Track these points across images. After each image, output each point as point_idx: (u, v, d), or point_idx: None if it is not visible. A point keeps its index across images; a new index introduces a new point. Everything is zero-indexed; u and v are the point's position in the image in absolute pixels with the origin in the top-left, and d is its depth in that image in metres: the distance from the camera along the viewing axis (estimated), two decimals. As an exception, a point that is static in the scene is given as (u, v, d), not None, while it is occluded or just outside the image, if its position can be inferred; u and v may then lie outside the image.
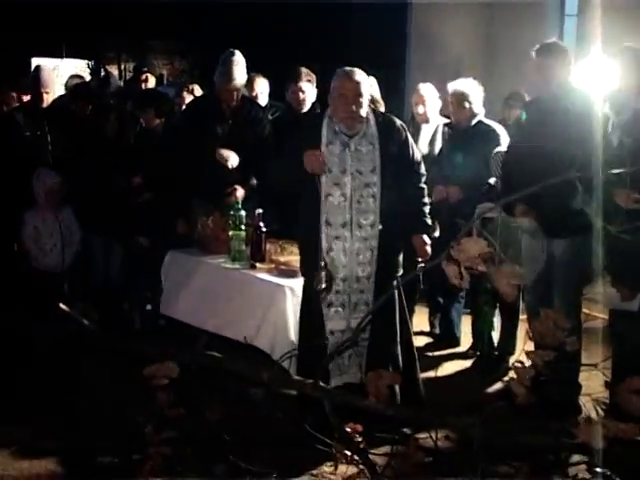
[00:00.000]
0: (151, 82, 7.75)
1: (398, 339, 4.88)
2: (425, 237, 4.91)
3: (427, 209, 4.97)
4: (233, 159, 6.03)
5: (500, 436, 3.22)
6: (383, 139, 4.76)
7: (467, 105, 6.16)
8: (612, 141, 4.74)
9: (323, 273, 4.65)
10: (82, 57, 21.49)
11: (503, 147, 5.85)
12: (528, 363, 3.18)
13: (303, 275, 4.99)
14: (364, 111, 4.72)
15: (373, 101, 6.09)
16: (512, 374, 3.19)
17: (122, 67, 26.55)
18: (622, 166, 3.21)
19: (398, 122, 4.96)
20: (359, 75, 4.72)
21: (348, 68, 4.79)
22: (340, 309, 4.80)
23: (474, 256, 2.99)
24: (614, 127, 4.83)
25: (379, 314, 4.60)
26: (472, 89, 6.21)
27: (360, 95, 4.67)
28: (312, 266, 4.73)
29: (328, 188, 4.71)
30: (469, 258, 2.98)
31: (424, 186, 4.99)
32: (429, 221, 4.96)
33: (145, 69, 7.98)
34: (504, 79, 9.90)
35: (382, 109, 6.01)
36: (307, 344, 4.44)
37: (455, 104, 6.20)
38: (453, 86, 6.27)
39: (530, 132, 5.12)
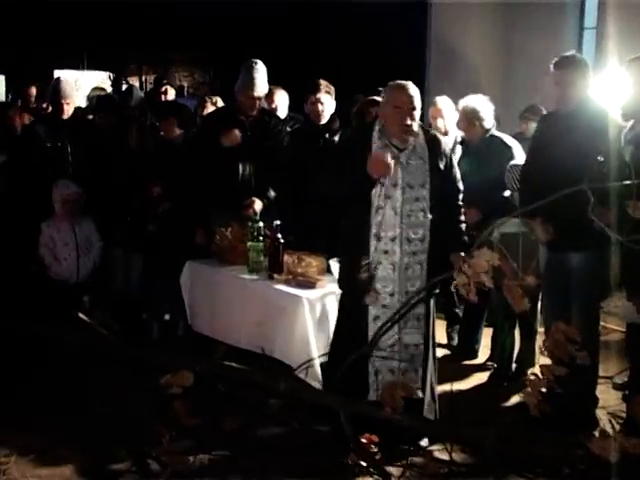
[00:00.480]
0: (171, 94, 7.83)
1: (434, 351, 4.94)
2: (462, 255, 4.90)
3: (464, 227, 4.94)
4: (257, 205, 6.06)
5: (514, 447, 3.24)
6: (432, 154, 4.75)
7: (477, 122, 6.18)
8: (624, 154, 4.73)
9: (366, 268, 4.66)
10: (103, 69, 21.68)
11: (519, 160, 5.86)
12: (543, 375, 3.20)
13: (342, 288, 4.95)
14: (417, 125, 4.72)
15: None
16: (525, 393, 3.21)
17: (143, 79, 26.75)
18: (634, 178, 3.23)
19: (442, 138, 4.98)
20: (413, 88, 4.72)
21: (401, 81, 4.79)
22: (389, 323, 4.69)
23: (483, 270, 3.02)
24: (627, 139, 4.81)
25: (429, 329, 4.74)
26: (482, 105, 6.23)
27: (414, 108, 4.66)
28: (355, 280, 4.71)
29: (379, 201, 4.67)
30: (477, 272, 3.01)
31: (462, 204, 4.97)
32: (466, 239, 4.88)
33: (165, 81, 8.03)
34: (522, 91, 9.94)
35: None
36: (343, 357, 4.35)
37: (466, 121, 6.22)
38: (463, 103, 6.29)
39: (547, 146, 5.11)
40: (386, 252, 4.69)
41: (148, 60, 26.66)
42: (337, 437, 3.84)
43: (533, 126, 6.53)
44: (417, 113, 4.70)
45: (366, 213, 4.67)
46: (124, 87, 21.18)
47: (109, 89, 17.31)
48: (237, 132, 6.04)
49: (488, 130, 6.24)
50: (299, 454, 4.52)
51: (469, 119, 6.20)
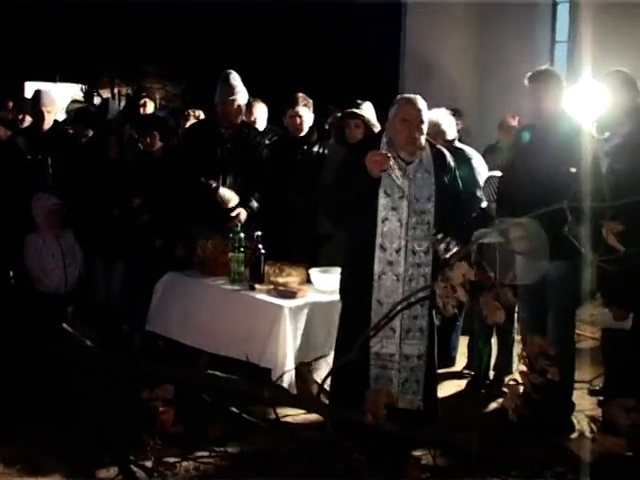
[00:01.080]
0: (150, 107, 7.89)
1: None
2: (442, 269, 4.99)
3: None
4: (233, 201, 6.15)
5: (497, 451, 3.31)
6: (437, 168, 4.82)
7: (440, 135, 6.31)
8: (601, 166, 4.85)
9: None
10: (75, 81, 21.61)
11: (494, 172, 6.00)
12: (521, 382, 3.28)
13: (343, 299, 4.99)
14: (424, 138, 4.79)
15: (370, 124, 6.27)
16: (504, 397, 3.29)
17: (115, 91, 26.69)
18: (610, 192, 3.34)
19: (447, 153, 5.04)
20: (421, 102, 4.79)
21: (410, 95, 4.88)
22: (390, 333, 4.78)
23: (459, 283, 3.11)
24: (603, 152, 4.94)
25: (431, 341, 4.83)
26: (444, 118, 6.37)
27: (422, 122, 4.73)
28: (358, 291, 4.78)
29: (385, 212, 4.73)
30: (454, 285, 3.10)
31: (464, 214, 5.11)
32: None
33: (144, 94, 8.09)
34: (496, 103, 10.10)
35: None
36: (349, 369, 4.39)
37: (431, 133, 6.36)
38: (427, 116, 6.43)
39: (523, 158, 5.24)
40: (390, 263, 4.74)
41: (120, 73, 26.61)
42: (324, 444, 3.88)
43: (509, 138, 6.69)
44: (425, 127, 4.77)
45: (371, 224, 4.71)
46: (96, 100, 21.19)
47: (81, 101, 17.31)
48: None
49: (451, 142, 6.38)
50: (284, 461, 4.57)
51: (432, 132, 6.34)
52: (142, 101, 7.98)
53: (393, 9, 12.07)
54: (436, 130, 6.22)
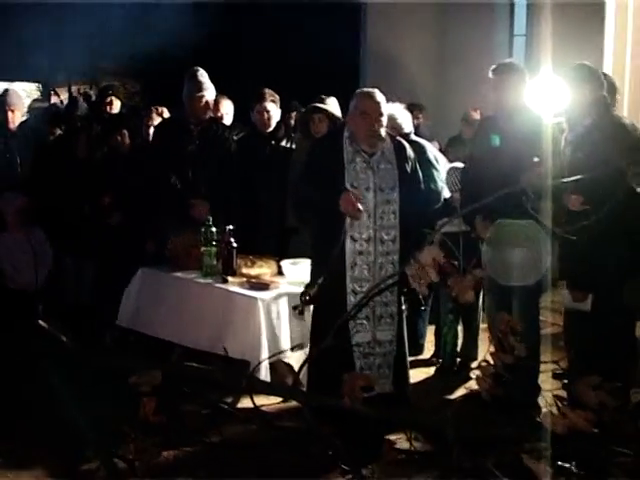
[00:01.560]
0: (116, 105, 7.91)
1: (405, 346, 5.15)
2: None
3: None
4: (206, 210, 6.19)
5: (471, 431, 3.43)
6: (399, 158, 4.98)
7: (396, 128, 6.46)
8: (565, 155, 5.01)
9: (313, 290, 4.86)
10: (31, 80, 21.40)
11: (457, 163, 6.18)
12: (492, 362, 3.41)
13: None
14: (384, 131, 4.95)
15: (335, 119, 6.39)
16: (476, 378, 3.41)
17: (73, 89, 26.45)
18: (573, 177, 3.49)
19: (407, 144, 5.19)
20: (379, 95, 4.95)
21: (369, 89, 5.04)
22: (365, 322, 4.92)
23: (430, 264, 3.23)
24: (567, 142, 5.10)
25: (400, 326, 4.94)
26: (399, 112, 6.52)
27: (381, 115, 4.90)
28: (331, 282, 4.85)
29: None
30: (426, 267, 3.22)
31: (427, 204, 5.30)
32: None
33: (110, 92, 8.09)
34: (456, 96, 10.26)
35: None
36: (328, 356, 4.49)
37: (388, 127, 6.50)
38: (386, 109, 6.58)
39: (486, 149, 5.40)
40: (361, 253, 4.88)
41: (77, 71, 26.34)
42: (303, 431, 3.99)
43: (472, 130, 6.87)
44: (384, 119, 4.93)
45: (339, 216, 4.81)
46: (54, 99, 21.01)
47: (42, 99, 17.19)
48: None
49: (407, 135, 6.53)
50: (264, 449, 4.67)
51: (388, 126, 6.48)
52: (108, 99, 7.99)
53: (354, 6, 12.18)
54: (392, 124, 6.38)
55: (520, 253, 5.20)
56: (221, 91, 7.64)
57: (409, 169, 5.04)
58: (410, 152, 5.12)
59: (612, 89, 6.47)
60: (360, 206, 4.74)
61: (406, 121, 6.56)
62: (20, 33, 20.18)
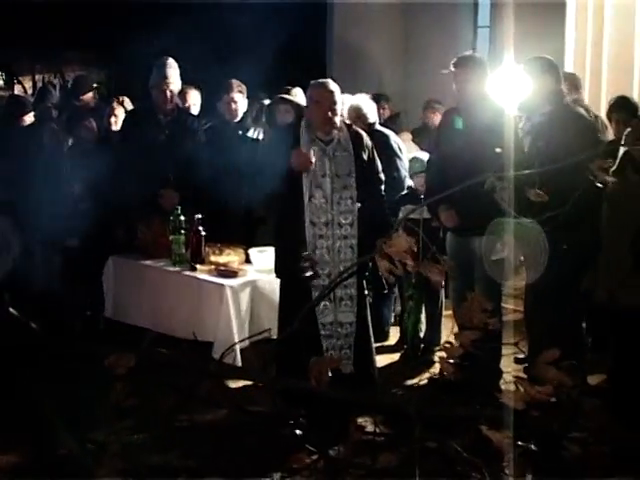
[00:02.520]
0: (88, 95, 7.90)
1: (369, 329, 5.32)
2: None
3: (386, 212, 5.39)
4: (175, 200, 6.29)
5: (434, 410, 3.55)
6: (355, 146, 5.16)
7: (361, 119, 6.59)
8: (524, 144, 5.16)
9: (308, 262, 5.01)
10: (-6, 69, 21.17)
11: (420, 154, 6.34)
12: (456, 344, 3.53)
13: (280, 276, 5.27)
14: (338, 119, 5.13)
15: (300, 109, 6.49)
16: (439, 359, 3.53)
17: (37, 78, 26.22)
18: (533, 167, 3.61)
19: (365, 134, 5.37)
20: (333, 85, 5.14)
21: (323, 79, 5.24)
22: (327, 303, 5.10)
23: (403, 251, 3.34)
24: (525, 132, 5.25)
25: (361, 308, 5.10)
26: (365, 103, 6.69)
27: (335, 103, 5.07)
28: (294, 265, 5.04)
29: (311, 190, 5.07)
30: (398, 253, 3.33)
31: (384, 194, 5.39)
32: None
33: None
34: (421, 88, 10.38)
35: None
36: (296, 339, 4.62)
37: (350, 119, 6.62)
38: (349, 101, 6.70)
39: (449, 139, 5.55)
40: (321, 237, 5.07)
41: (41, 59, 26.11)
42: (272, 414, 4.10)
43: (437, 117, 7.02)
44: (338, 107, 5.11)
45: (299, 203, 5.03)
46: (17, 88, 20.83)
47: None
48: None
49: (372, 125, 6.67)
50: (235, 434, 4.78)
51: (353, 116, 6.62)
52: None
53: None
54: (357, 114, 6.52)
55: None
56: (189, 82, 7.73)
57: (366, 157, 5.22)
58: (367, 141, 5.29)
59: (576, 86, 6.68)
60: (312, 157, 4.98)
61: (371, 111, 6.70)
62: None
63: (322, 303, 5.06)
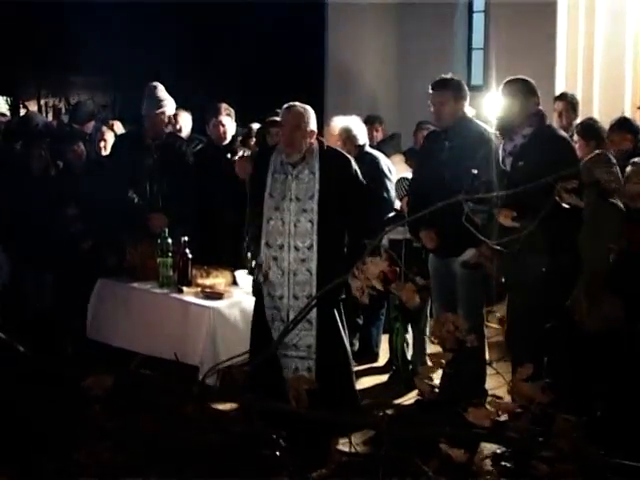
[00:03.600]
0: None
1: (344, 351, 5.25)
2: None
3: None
4: (164, 223, 6.33)
5: (405, 430, 3.57)
6: (323, 169, 5.09)
7: (350, 140, 6.62)
8: (505, 165, 5.17)
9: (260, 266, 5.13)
10: (0, 93, 21.34)
11: (406, 174, 6.38)
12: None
13: (253, 294, 5.34)
14: (303, 141, 5.08)
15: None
16: (416, 380, 3.55)
17: (42, 102, 26.41)
18: (514, 187, 3.63)
19: (345, 156, 5.33)
20: (298, 108, 5.12)
21: (291, 103, 5.20)
22: (280, 324, 5.12)
23: (374, 275, 3.37)
24: (507, 152, 5.25)
25: (324, 331, 5.05)
26: (354, 124, 6.73)
27: (297, 126, 5.05)
28: (256, 288, 5.23)
29: (270, 212, 5.12)
30: (370, 277, 3.36)
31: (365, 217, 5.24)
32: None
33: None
34: (416, 109, 10.40)
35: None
36: (258, 356, 4.72)
37: (340, 140, 6.65)
38: (336, 123, 6.73)
39: (428, 160, 5.60)
40: (275, 258, 5.12)
41: (46, 84, 26.29)
42: (253, 436, 4.12)
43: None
44: (301, 130, 5.07)
45: (260, 224, 5.15)
46: (23, 112, 20.98)
47: (7, 114, 17.21)
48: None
49: (362, 147, 6.72)
50: (215, 453, 4.78)
51: (343, 138, 6.66)
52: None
53: (315, 19, 12.33)
54: (347, 135, 6.56)
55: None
56: (180, 103, 7.81)
57: (342, 179, 5.14)
58: (347, 164, 5.22)
59: (573, 106, 6.73)
60: (248, 166, 5.28)
61: (361, 132, 6.74)
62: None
63: (276, 323, 5.13)
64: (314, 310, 5.10)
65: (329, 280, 4.91)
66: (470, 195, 3.46)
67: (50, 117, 19.76)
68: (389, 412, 5.66)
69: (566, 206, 3.03)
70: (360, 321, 7.06)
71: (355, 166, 5.29)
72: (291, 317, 5.09)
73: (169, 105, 6.55)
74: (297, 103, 5.19)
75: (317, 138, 5.26)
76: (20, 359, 4.71)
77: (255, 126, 7.45)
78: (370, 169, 6.44)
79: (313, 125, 5.16)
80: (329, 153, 5.23)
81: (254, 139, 7.30)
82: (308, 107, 5.20)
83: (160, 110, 6.46)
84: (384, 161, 6.87)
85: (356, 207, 5.19)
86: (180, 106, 7.64)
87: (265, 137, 6.90)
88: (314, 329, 5.12)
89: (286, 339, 5.07)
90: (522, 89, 5.25)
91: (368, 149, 6.85)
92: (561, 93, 6.69)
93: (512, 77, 5.35)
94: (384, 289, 3.61)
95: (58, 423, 5.07)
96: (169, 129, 6.90)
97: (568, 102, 6.79)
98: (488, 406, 3.09)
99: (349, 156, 5.39)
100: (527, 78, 5.35)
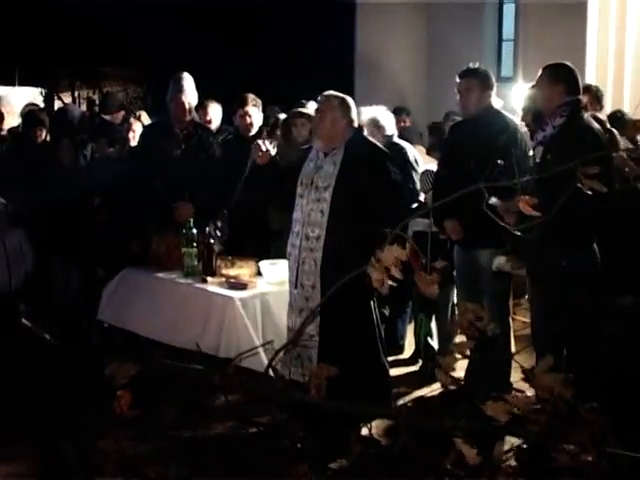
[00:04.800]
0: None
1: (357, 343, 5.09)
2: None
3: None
4: (190, 213, 6.33)
5: (423, 422, 3.55)
6: (346, 160, 5.03)
7: (379, 130, 6.60)
8: (535, 155, 5.04)
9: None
10: (35, 85, 21.53)
11: (431, 166, 6.32)
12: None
13: None
14: (335, 132, 5.07)
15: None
16: (436, 371, 3.52)
17: (76, 94, 26.61)
18: (541, 181, 3.58)
19: (375, 150, 5.20)
20: (332, 99, 5.13)
21: (328, 92, 5.20)
22: (290, 310, 5.21)
23: (392, 264, 3.34)
24: (536, 141, 5.10)
25: (330, 321, 4.91)
26: (382, 115, 6.70)
27: (329, 117, 5.06)
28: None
29: (297, 200, 5.15)
30: (388, 265, 3.32)
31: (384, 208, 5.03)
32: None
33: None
34: (445, 102, 10.38)
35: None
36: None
37: (371, 128, 6.63)
38: (366, 114, 6.70)
39: (454, 150, 5.55)
40: (293, 245, 5.16)
41: (80, 75, 26.48)
42: (276, 428, 4.11)
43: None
44: (327, 121, 5.07)
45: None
46: (57, 103, 21.15)
47: (41, 105, 17.35)
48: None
49: (389, 137, 6.68)
50: (238, 445, 4.81)
51: (371, 128, 6.63)
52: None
53: (345, 12, 12.31)
54: (374, 125, 6.54)
55: None
56: (212, 95, 7.83)
57: (358, 172, 5.00)
58: (369, 155, 5.13)
59: (598, 98, 6.61)
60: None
61: (389, 123, 6.71)
62: (22, 37, 20.34)
63: (289, 308, 5.22)
64: (318, 300, 5.03)
65: (336, 273, 4.90)
66: (492, 183, 3.45)
67: (84, 108, 19.95)
68: (409, 404, 5.65)
69: (589, 192, 2.99)
70: (386, 312, 7.02)
71: (386, 164, 5.20)
72: (298, 305, 5.12)
73: (190, 95, 6.54)
74: (333, 93, 5.17)
75: (356, 127, 5.24)
76: (46, 348, 4.77)
77: (282, 117, 7.43)
78: (397, 160, 6.42)
79: (350, 116, 5.14)
80: (358, 145, 5.13)
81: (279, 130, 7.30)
82: (346, 98, 5.19)
83: (180, 96, 6.47)
84: (411, 152, 6.84)
85: (374, 202, 5.01)
86: (207, 97, 7.67)
87: (290, 128, 6.88)
88: (317, 319, 5.04)
89: (290, 326, 5.16)
90: (561, 74, 5.03)
91: (396, 139, 6.82)
92: (585, 86, 6.56)
93: (553, 62, 5.13)
94: (407, 279, 3.60)
95: (81, 412, 5.13)
96: (198, 119, 6.90)
97: (593, 94, 6.67)
98: (508, 399, 3.08)
99: (382, 151, 5.28)
100: (567, 64, 5.11)
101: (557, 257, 4.70)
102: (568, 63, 5.15)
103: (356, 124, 5.25)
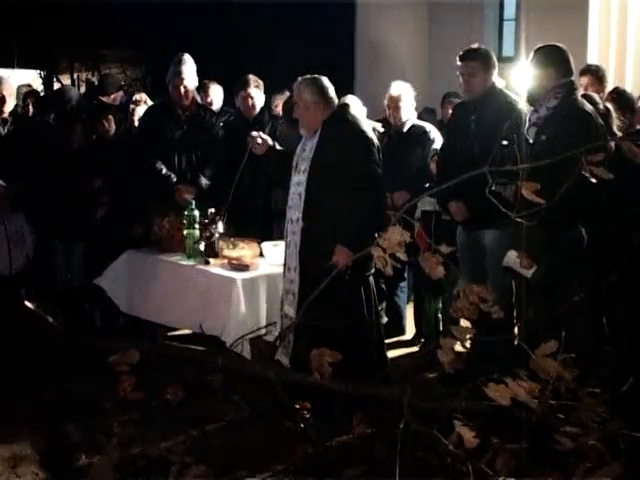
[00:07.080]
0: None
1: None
2: (343, 250, 4.79)
3: (359, 226, 4.75)
4: (192, 194, 6.39)
5: (425, 402, 3.55)
6: (321, 144, 4.98)
7: (401, 106, 6.57)
8: (528, 138, 5.04)
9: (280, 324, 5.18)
10: (34, 67, 21.46)
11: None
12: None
13: None
14: (305, 115, 5.06)
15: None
16: (438, 352, 3.52)
17: (75, 76, 26.52)
18: (534, 161, 3.56)
19: (348, 130, 4.99)
20: (299, 83, 5.12)
21: (300, 77, 5.16)
22: (284, 294, 5.23)
23: (396, 244, 3.34)
24: (530, 123, 5.09)
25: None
26: (405, 91, 6.62)
27: (300, 100, 5.07)
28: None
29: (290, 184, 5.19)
30: (392, 246, 3.32)
31: (366, 203, 4.86)
32: (351, 237, 4.73)
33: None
34: (445, 83, 10.34)
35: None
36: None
37: (392, 106, 6.61)
38: (391, 89, 6.67)
39: (457, 132, 5.53)
40: (284, 229, 5.25)
41: (79, 57, 26.38)
42: (278, 408, 4.13)
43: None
44: (304, 105, 5.05)
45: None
46: (57, 85, 21.07)
47: (40, 87, 17.30)
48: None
49: (410, 117, 6.65)
50: (240, 425, 4.83)
51: (395, 105, 6.60)
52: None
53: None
54: (395, 104, 6.52)
55: None
56: (213, 77, 7.82)
57: (334, 157, 4.88)
58: (347, 141, 4.94)
59: (600, 78, 6.57)
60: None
61: (410, 103, 6.71)
62: (20, 21, 20.26)
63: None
64: (297, 283, 5.06)
65: (314, 257, 4.87)
66: (496, 167, 3.43)
67: (83, 90, 19.88)
68: (411, 386, 5.63)
69: (593, 180, 2.98)
70: (384, 287, 6.90)
71: (360, 144, 4.99)
72: (285, 288, 5.20)
73: (189, 74, 6.54)
74: (306, 77, 5.12)
75: (336, 106, 5.10)
76: (49, 330, 4.79)
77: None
78: (420, 142, 6.55)
79: (324, 96, 5.03)
80: (334, 124, 5.01)
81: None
82: (318, 79, 5.08)
83: (179, 77, 6.48)
84: (431, 130, 6.77)
85: (354, 188, 4.85)
86: (208, 78, 7.66)
87: (292, 109, 6.86)
88: (295, 301, 5.08)
89: (284, 310, 5.21)
90: (551, 57, 5.06)
91: (416, 121, 6.82)
92: (584, 67, 6.51)
93: (543, 44, 5.17)
94: (410, 259, 3.59)
95: (86, 393, 5.15)
96: (197, 100, 6.89)
97: (593, 74, 6.62)
98: (509, 382, 3.09)
99: (358, 129, 5.05)
100: (559, 45, 5.14)
101: (547, 238, 4.71)
102: (559, 44, 5.17)
103: (335, 103, 5.11)
